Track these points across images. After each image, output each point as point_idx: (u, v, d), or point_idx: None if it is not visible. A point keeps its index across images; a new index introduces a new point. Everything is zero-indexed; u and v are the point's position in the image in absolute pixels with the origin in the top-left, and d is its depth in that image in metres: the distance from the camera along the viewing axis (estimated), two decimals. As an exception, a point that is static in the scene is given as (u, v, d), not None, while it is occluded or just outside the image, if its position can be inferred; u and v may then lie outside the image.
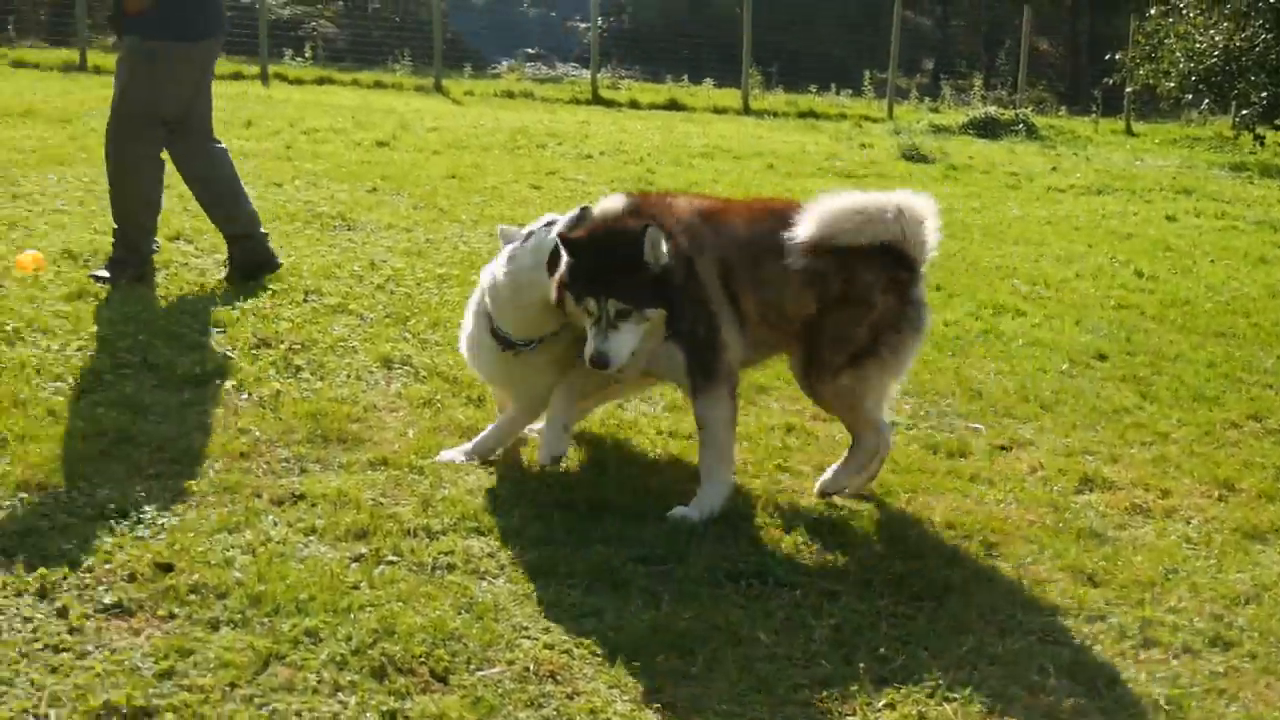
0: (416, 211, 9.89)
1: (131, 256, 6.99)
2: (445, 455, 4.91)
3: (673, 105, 24.14)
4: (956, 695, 3.54)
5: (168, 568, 3.81)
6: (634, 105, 23.69)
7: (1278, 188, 16.35)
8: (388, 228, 9.09)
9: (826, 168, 15.30)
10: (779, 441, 5.44)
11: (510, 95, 23.61)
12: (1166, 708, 3.58)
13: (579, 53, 35.86)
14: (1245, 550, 4.68)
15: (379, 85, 23.64)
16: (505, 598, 3.87)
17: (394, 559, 4.04)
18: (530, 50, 35.79)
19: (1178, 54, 21.72)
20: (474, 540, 4.24)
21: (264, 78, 22.50)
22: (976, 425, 5.86)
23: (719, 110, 24.19)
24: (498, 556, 4.15)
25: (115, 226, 7.07)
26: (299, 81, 23.01)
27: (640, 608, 3.86)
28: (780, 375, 6.21)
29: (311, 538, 4.12)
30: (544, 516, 4.46)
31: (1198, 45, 21.37)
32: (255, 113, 15.98)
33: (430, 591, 3.84)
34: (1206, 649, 3.93)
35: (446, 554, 4.10)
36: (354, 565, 3.97)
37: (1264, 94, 20.90)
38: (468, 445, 4.98)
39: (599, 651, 3.60)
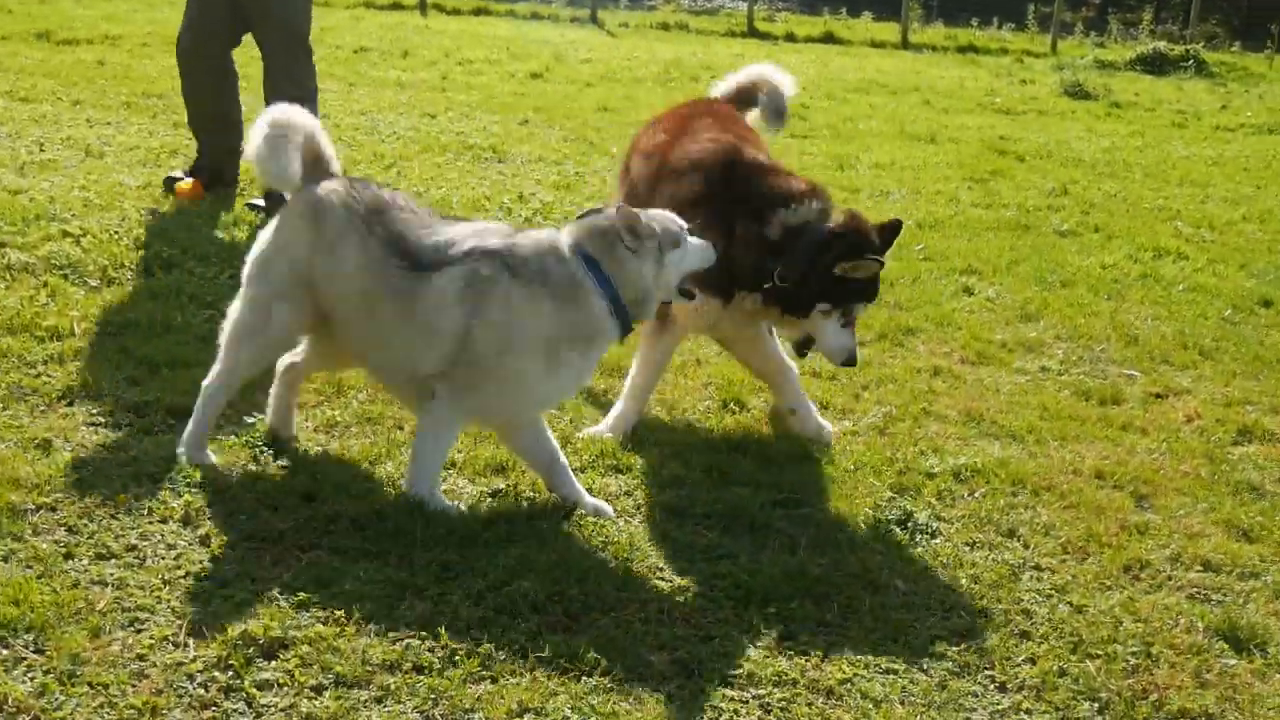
0: (567, 144, 9.89)
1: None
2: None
3: (830, 38, 23.74)
4: (1100, 652, 3.44)
5: (309, 497, 3.86)
6: (790, 38, 23.34)
7: None
8: (538, 160, 9.11)
9: (985, 104, 14.94)
10: (925, 385, 5.33)
11: (665, 27, 23.42)
12: (1322, 673, 3.45)
13: (736, -16, 35.38)
14: None
15: (535, 16, 23.64)
16: (640, 537, 3.86)
17: (532, 495, 4.05)
18: (687, -19, 35.39)
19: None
20: (611, 478, 4.24)
21: (422, 8, 22.61)
22: (1131, 372, 5.69)
23: (877, 44, 23.73)
24: (634, 495, 4.14)
25: None
26: (456, 12, 23.07)
27: (776, 551, 3.82)
28: (929, 317, 6.10)
29: (450, 471, 4.14)
30: (682, 455, 4.43)
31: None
32: (412, 43, 16.11)
33: (566, 529, 3.84)
34: (1368, 613, 3.77)
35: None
36: (491, 500, 3.98)
37: None
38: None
39: (733, 595, 3.56)
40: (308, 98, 7.11)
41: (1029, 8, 28.30)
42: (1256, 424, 5.14)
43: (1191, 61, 21.80)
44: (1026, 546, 4.02)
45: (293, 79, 7.03)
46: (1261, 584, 3.89)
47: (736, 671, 3.22)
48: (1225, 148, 12.86)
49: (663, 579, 3.64)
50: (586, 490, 4.03)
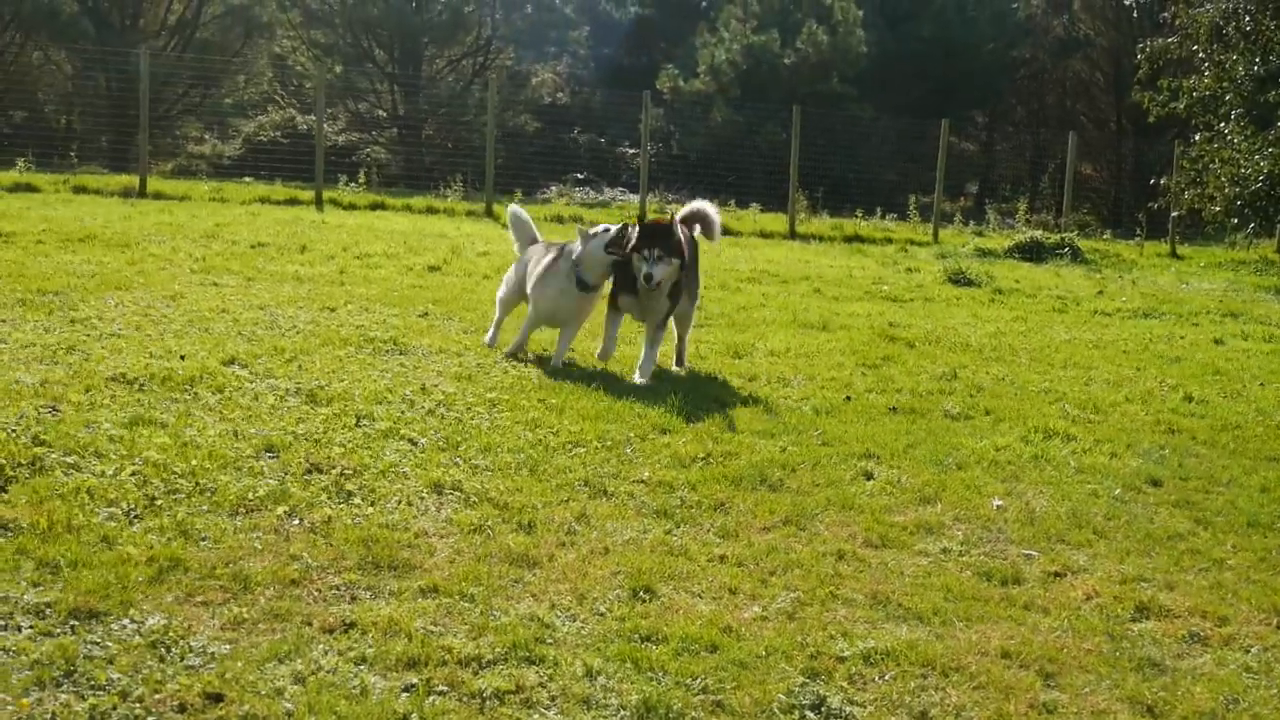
0: (467, 336, 9.97)
1: None
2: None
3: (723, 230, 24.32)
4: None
5: (218, 698, 3.80)
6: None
7: (1329, 310, 16.25)
8: (439, 352, 9.17)
9: (874, 291, 15.35)
10: (830, 569, 5.39)
11: (560, 219, 23.84)
12: (1234, 847, 3.49)
13: (628, 178, 36.20)
14: (1309, 682, 4.59)
15: (431, 210, 23.97)
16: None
17: (445, 689, 4.02)
18: (580, 175, 36.15)
19: (1223, 179, 21.76)
20: (527, 669, 4.21)
21: (319, 203, 22.88)
22: (1030, 551, 5.80)
23: (765, 234, 24.36)
24: (549, 686, 4.12)
25: None
26: (352, 207, 23.37)
27: (692, 740, 3.81)
28: (831, 501, 6.18)
29: (362, 667, 4.10)
30: (597, 645, 4.43)
31: (1242, 170, 21.41)
32: (310, 238, 16.23)
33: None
34: (1273, 785, 3.85)
35: (499, 684, 4.08)
36: (404, 696, 3.95)
37: (1308, 218, 21.01)
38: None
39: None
40: None
41: (910, 199, 29.27)
42: (1153, 600, 5.26)
43: (1067, 249, 22.69)
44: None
45: None
46: (1169, 759, 3.96)
47: None
48: (1104, 331, 13.31)
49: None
50: None
